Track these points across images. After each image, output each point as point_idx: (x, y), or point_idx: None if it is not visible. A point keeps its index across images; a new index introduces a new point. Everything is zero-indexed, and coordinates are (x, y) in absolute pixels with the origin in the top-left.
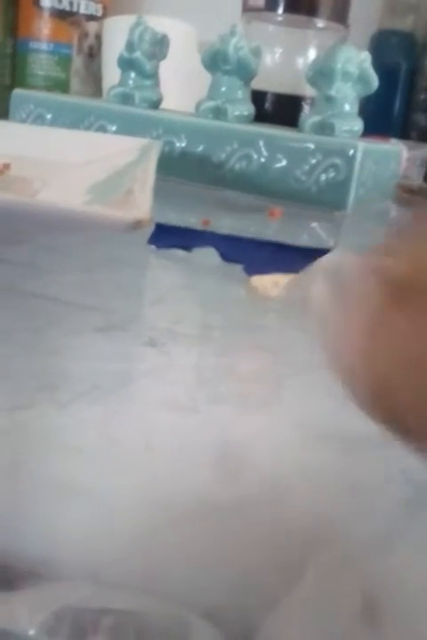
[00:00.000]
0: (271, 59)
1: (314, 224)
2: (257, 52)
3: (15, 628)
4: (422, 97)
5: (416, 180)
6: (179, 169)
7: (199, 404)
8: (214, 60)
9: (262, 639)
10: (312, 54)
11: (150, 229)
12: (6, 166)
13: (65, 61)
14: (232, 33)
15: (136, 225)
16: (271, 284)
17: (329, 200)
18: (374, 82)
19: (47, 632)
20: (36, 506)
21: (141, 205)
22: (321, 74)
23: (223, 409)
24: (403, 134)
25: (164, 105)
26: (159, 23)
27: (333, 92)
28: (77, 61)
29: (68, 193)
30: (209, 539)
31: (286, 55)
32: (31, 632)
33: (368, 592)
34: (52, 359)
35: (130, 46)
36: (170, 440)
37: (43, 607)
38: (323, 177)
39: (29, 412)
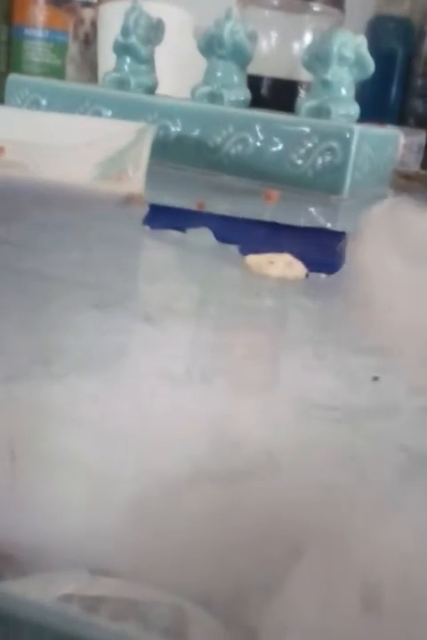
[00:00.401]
0: (267, 43)
1: (310, 208)
2: (253, 37)
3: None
4: (419, 83)
5: (413, 167)
6: (174, 154)
7: (195, 378)
8: (210, 45)
9: (262, 626)
10: (308, 39)
11: (145, 210)
12: (1, 150)
13: (60, 48)
14: (228, 17)
15: (129, 199)
16: (266, 262)
17: (325, 184)
18: (371, 66)
19: None
20: (32, 477)
21: (134, 182)
22: (317, 58)
23: (219, 382)
24: (400, 120)
25: (159, 91)
26: (155, 8)
27: (329, 77)
28: (73, 48)
29: (63, 174)
30: (205, 511)
31: (282, 40)
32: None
33: (368, 579)
34: (47, 334)
35: (125, 31)
36: (165, 412)
37: (39, 597)
38: (319, 160)
39: (24, 384)
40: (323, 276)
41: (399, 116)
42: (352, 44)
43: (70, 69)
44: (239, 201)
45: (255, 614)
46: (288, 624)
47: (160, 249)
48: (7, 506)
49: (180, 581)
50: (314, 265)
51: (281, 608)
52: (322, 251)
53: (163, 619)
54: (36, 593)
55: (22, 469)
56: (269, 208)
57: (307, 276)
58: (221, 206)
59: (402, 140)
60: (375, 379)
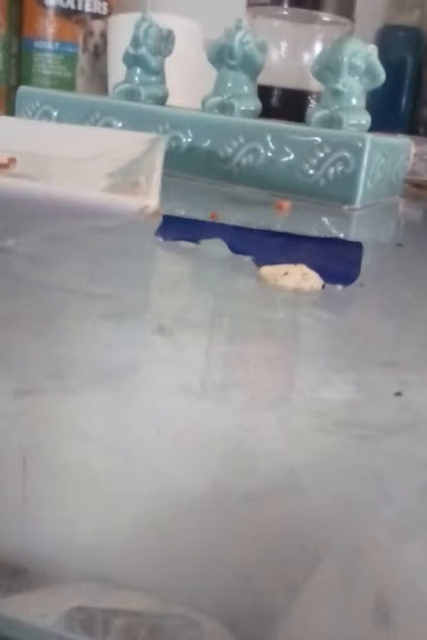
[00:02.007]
0: (277, 54)
1: (323, 218)
2: (263, 47)
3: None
4: None
5: (424, 176)
6: (185, 164)
7: (210, 391)
8: (220, 55)
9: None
10: (318, 49)
11: (158, 222)
12: (12, 160)
13: (70, 60)
14: (238, 27)
15: (144, 210)
16: (281, 273)
17: (338, 194)
18: (382, 75)
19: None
20: (46, 493)
21: (149, 193)
22: (328, 67)
23: (235, 395)
24: (410, 130)
25: (170, 102)
26: (165, 20)
27: (340, 86)
28: (83, 60)
29: (74, 186)
30: (221, 528)
31: (292, 50)
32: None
33: (382, 592)
34: (59, 346)
35: (135, 42)
36: (180, 426)
37: (54, 608)
38: (331, 170)
39: (38, 398)
40: (339, 287)
41: (410, 126)
42: (363, 53)
43: (80, 81)
44: (251, 211)
45: (270, 629)
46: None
47: (173, 260)
48: (18, 517)
49: (195, 597)
50: (330, 276)
51: (296, 623)
52: (338, 261)
53: (177, 631)
54: (47, 605)
55: (33, 481)
56: (282, 218)
57: (323, 287)
58: (233, 217)
59: (413, 149)
60: (398, 394)
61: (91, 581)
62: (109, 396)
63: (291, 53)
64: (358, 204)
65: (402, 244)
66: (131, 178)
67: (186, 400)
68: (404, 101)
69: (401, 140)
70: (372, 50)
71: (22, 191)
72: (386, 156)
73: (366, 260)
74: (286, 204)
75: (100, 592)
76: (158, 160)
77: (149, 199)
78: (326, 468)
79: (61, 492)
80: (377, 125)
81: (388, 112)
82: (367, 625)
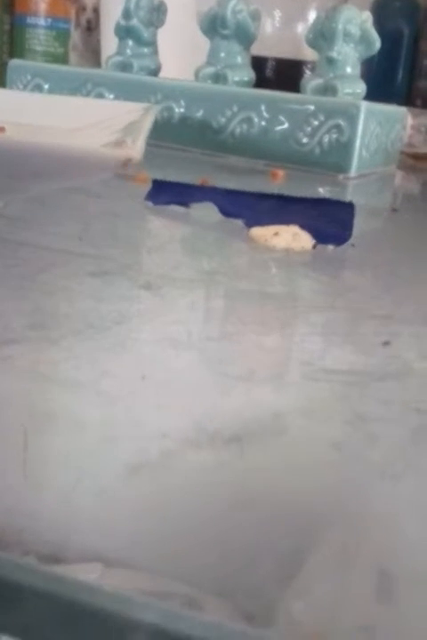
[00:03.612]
0: (271, 23)
1: (318, 187)
2: (256, 16)
3: None
4: (425, 63)
5: (421, 148)
6: (178, 135)
7: (197, 342)
8: (213, 25)
9: (278, 616)
10: (312, 18)
11: (147, 187)
12: (1, 130)
13: (63, 36)
14: None
15: (127, 162)
16: (272, 234)
17: (332, 162)
18: (377, 42)
19: None
20: (32, 440)
21: (132, 147)
22: (322, 35)
23: (223, 346)
24: (407, 101)
25: (163, 74)
26: None
27: (334, 54)
28: (75, 36)
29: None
30: (208, 470)
31: (286, 19)
32: None
33: (384, 568)
34: (44, 300)
35: (127, 14)
36: (166, 374)
37: None
38: (326, 138)
39: (20, 347)
40: (331, 247)
41: (406, 98)
42: (358, 21)
43: (73, 57)
44: (245, 181)
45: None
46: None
47: (163, 223)
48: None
49: (183, 567)
50: (321, 236)
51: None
52: (329, 222)
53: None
54: None
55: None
56: (276, 187)
57: (314, 247)
58: (227, 186)
59: (410, 121)
60: (386, 343)
61: (91, 562)
62: (94, 345)
63: (285, 23)
64: (353, 172)
65: (398, 209)
66: (119, 139)
67: (171, 349)
68: (400, 73)
69: (397, 109)
70: (366, 17)
71: (5, 149)
72: (382, 125)
73: (361, 224)
74: (281, 173)
75: (100, 572)
76: (147, 123)
77: (133, 152)
78: (313, 412)
79: (44, 437)
80: (374, 98)
81: (384, 84)
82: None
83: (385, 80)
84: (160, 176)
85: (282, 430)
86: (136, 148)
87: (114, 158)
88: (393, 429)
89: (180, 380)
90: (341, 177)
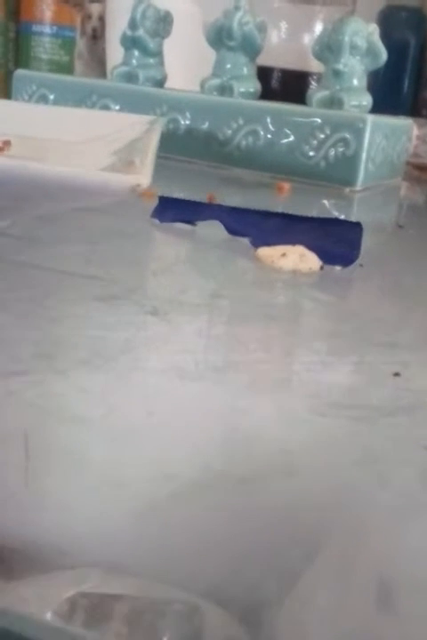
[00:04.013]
0: (277, 34)
1: (324, 200)
2: (262, 27)
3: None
4: None
5: None
6: (184, 147)
7: (205, 372)
8: (219, 36)
9: (277, 625)
10: (319, 29)
11: (153, 202)
12: (6, 144)
13: (68, 44)
14: (236, 7)
15: (136, 188)
16: (279, 255)
17: (338, 175)
18: (383, 54)
19: (61, 618)
20: (34, 476)
21: (141, 171)
22: (328, 47)
23: (230, 377)
24: (413, 112)
25: (168, 85)
26: (163, 1)
27: (340, 66)
28: (81, 44)
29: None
30: (216, 512)
31: (292, 30)
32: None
33: (384, 576)
34: (50, 328)
35: (133, 24)
36: (174, 408)
37: (55, 594)
38: (332, 152)
39: (26, 379)
40: (338, 268)
41: (412, 108)
42: (364, 33)
43: (78, 65)
44: (251, 194)
45: (271, 614)
46: (304, 623)
47: (169, 242)
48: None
49: (192, 582)
50: (329, 257)
51: (297, 608)
52: (337, 242)
53: (179, 617)
54: (48, 592)
55: (22, 465)
56: (282, 201)
57: (321, 268)
58: (233, 199)
59: (416, 131)
60: (396, 374)
61: (91, 568)
62: (100, 377)
63: (291, 34)
64: (359, 185)
65: (403, 225)
66: (127, 158)
67: (179, 381)
68: (406, 84)
69: (403, 121)
70: (373, 29)
71: (14, 171)
72: (387, 137)
73: (367, 242)
74: (287, 187)
75: (100, 578)
76: (154, 140)
77: (141, 177)
78: (322, 450)
79: (50, 473)
80: (379, 108)
81: (390, 95)
82: (368, 609)
83: (391, 90)
84: (166, 189)
85: (290, 470)
86: (144, 173)
87: (123, 183)
88: (404, 470)
89: (185, 415)
90: (347, 190)
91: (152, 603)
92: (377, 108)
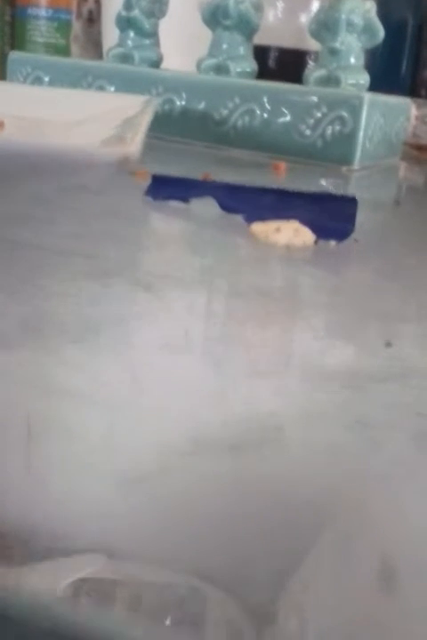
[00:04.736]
0: (274, 13)
1: (321, 179)
2: (259, 6)
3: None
4: None
5: (426, 139)
6: (179, 127)
7: (197, 347)
8: (214, 16)
9: (280, 608)
10: (315, 7)
11: (147, 183)
12: (0, 125)
13: (64, 27)
14: None
15: (125, 160)
16: (273, 230)
17: (335, 154)
18: (380, 32)
19: (64, 604)
20: (26, 451)
21: (131, 144)
22: (325, 26)
23: (222, 351)
24: (411, 92)
25: (164, 66)
26: None
27: (337, 44)
28: (77, 27)
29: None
30: (207, 482)
31: (289, 9)
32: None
33: (386, 556)
34: (39, 303)
35: (128, 4)
36: (164, 381)
37: (57, 580)
38: (329, 130)
39: (13, 354)
40: (333, 243)
41: (411, 88)
42: (361, 10)
43: (75, 48)
44: (247, 174)
45: (270, 593)
46: (304, 604)
47: (163, 220)
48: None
49: (186, 560)
50: (323, 232)
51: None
52: (331, 217)
53: (181, 600)
54: (50, 578)
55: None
56: (279, 180)
57: (316, 243)
58: (228, 180)
59: (414, 111)
60: (388, 345)
61: (94, 553)
62: (91, 353)
63: (287, 13)
64: (356, 164)
65: (400, 202)
66: (119, 135)
67: (169, 354)
68: (404, 63)
69: (401, 100)
70: (370, 6)
71: (4, 147)
72: (385, 116)
73: (363, 218)
74: (283, 166)
75: (103, 563)
76: (146, 117)
77: (131, 149)
78: (314, 417)
79: (42, 447)
80: (377, 88)
81: (388, 75)
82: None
83: (389, 70)
84: (161, 170)
85: (282, 437)
86: (134, 145)
87: (112, 155)
88: (395, 435)
89: (178, 387)
90: (344, 169)
91: (154, 587)
92: (375, 89)
